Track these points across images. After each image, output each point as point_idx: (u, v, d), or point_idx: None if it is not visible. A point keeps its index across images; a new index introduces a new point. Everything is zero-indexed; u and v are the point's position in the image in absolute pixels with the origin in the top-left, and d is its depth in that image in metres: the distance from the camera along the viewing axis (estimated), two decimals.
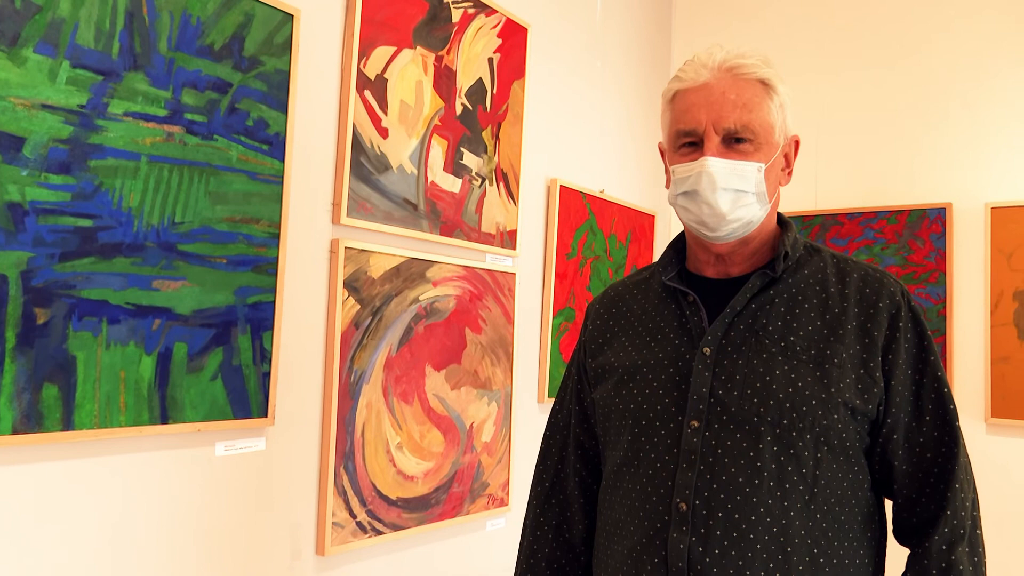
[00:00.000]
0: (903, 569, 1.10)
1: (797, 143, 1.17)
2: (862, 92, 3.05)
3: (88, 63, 1.40)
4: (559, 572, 1.23)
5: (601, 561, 1.14)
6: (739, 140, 1.07)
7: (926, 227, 2.84)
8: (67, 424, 1.38)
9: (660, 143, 1.18)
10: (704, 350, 1.07)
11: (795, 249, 1.13)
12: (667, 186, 1.16)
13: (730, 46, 1.11)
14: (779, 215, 1.18)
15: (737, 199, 1.06)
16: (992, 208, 2.73)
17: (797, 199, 3.14)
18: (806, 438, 1.01)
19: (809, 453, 1.01)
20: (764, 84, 1.09)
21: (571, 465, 1.25)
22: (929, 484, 1.06)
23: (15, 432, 1.32)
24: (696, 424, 1.04)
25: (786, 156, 1.15)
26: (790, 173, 1.16)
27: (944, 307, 2.80)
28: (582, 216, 2.78)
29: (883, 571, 1.10)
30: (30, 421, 1.34)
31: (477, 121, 2.31)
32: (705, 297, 1.12)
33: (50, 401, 1.36)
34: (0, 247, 1.30)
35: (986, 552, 1.07)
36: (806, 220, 3.08)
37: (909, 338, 1.07)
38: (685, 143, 1.09)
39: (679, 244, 1.20)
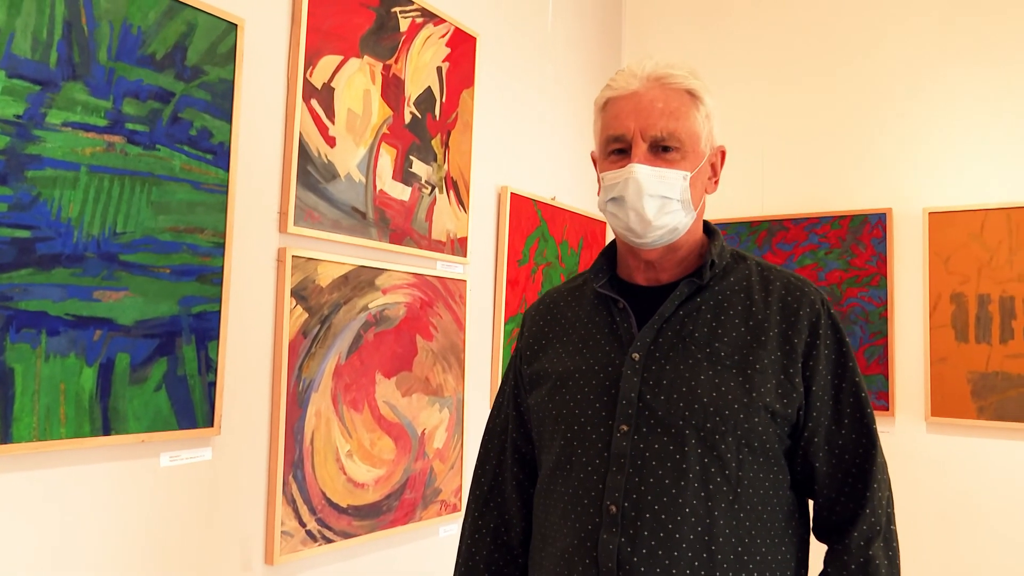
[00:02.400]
0: (820, 565, 1.14)
1: (723, 153, 1.20)
2: (807, 101, 3.13)
3: (25, 73, 1.39)
4: (497, 574, 1.25)
5: (536, 563, 1.16)
6: (666, 148, 1.10)
7: (867, 232, 2.92)
8: (4, 437, 1.37)
9: (592, 152, 1.21)
10: (633, 356, 1.10)
11: (722, 257, 1.16)
12: (599, 193, 1.19)
13: (660, 57, 1.14)
14: (706, 223, 1.21)
15: (663, 206, 1.09)
16: (930, 213, 2.82)
17: (744, 205, 3.20)
18: (728, 441, 1.04)
19: (732, 455, 1.05)
20: (691, 94, 1.12)
21: (508, 469, 1.27)
22: (848, 484, 1.11)
23: None
24: (625, 428, 1.07)
25: (712, 166, 1.18)
26: (717, 182, 1.19)
27: (886, 310, 2.88)
28: (533, 223, 2.81)
29: (806, 567, 1.14)
30: None
31: (426, 129, 2.32)
32: (635, 304, 1.15)
33: None
34: None
35: (899, 546, 1.11)
36: (754, 225, 3.15)
37: (829, 345, 1.11)
38: (614, 150, 1.12)
39: (610, 252, 1.23)
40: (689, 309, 1.12)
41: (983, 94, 2.80)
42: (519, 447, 1.27)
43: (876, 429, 1.12)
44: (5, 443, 1.37)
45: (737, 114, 3.27)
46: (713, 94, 1.15)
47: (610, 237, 3.28)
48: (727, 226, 3.20)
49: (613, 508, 1.05)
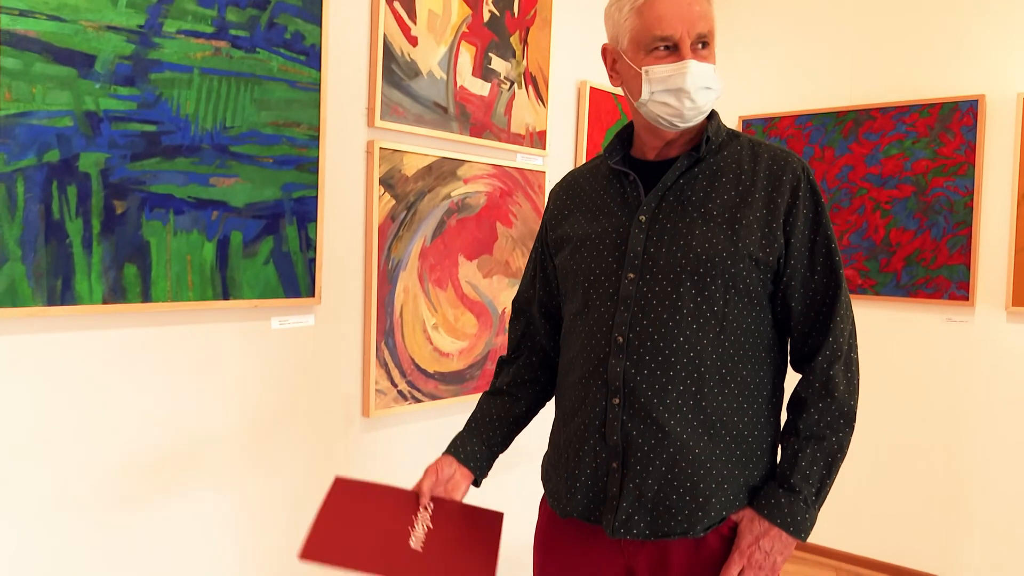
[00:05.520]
0: None
1: None
2: None
3: None
4: (520, 385, 1.51)
5: (561, 391, 1.42)
6: (704, 45, 1.26)
7: (957, 120, 2.87)
8: (146, 297, 1.67)
9: (606, 44, 1.35)
10: (640, 218, 1.30)
11: (718, 135, 1.32)
12: (616, 83, 1.35)
13: None
14: None
15: (708, 95, 1.27)
16: None
17: (832, 94, 3.18)
18: (717, 283, 1.24)
19: (720, 295, 1.24)
20: None
21: (537, 320, 1.52)
22: (818, 320, 1.29)
23: (105, 302, 1.61)
24: (632, 276, 1.28)
25: None
26: None
27: (971, 199, 2.85)
28: (613, 116, 2.91)
29: (782, 391, 1.34)
30: (116, 294, 1.63)
31: (505, 27, 2.45)
32: (644, 176, 1.34)
33: (131, 278, 1.65)
34: (82, 149, 1.57)
35: (859, 371, 1.29)
36: (840, 116, 3.13)
37: (807, 204, 1.27)
38: (660, 47, 1.27)
39: (624, 134, 1.39)
40: (688, 178, 1.30)
41: None
42: (543, 301, 1.51)
43: (843, 274, 1.29)
44: (147, 302, 1.68)
45: (827, 2, 3.20)
46: None
47: None
48: (812, 117, 3.19)
49: (620, 339, 1.27)
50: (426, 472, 1.41)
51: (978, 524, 2.91)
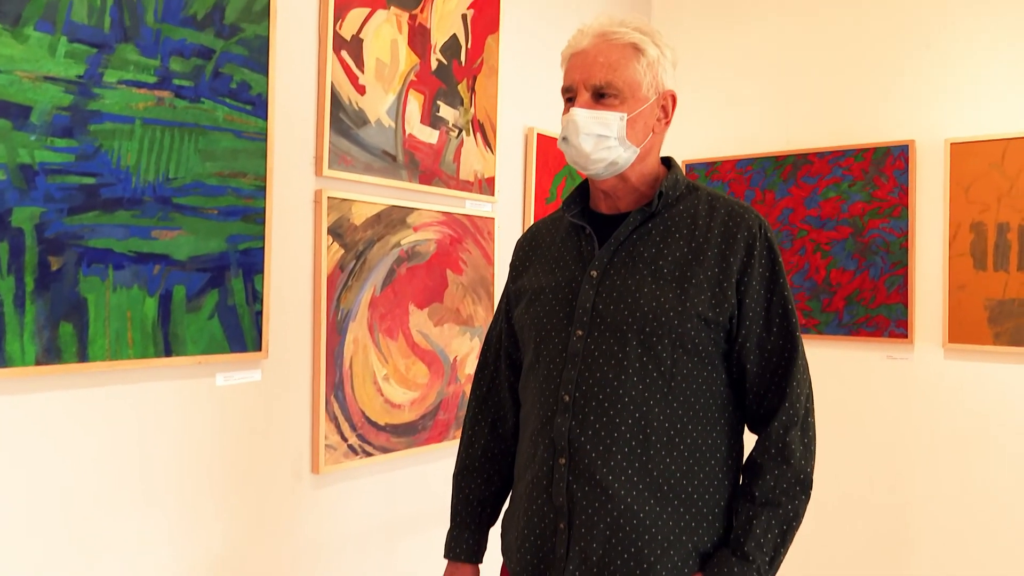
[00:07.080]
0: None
1: (674, 98, 1.34)
2: (831, 34, 3.15)
3: (83, 37, 1.57)
4: (492, 460, 1.47)
5: (519, 445, 1.39)
6: (603, 95, 1.27)
7: (890, 164, 2.97)
8: (82, 357, 1.59)
9: None
10: (591, 273, 1.29)
11: (675, 189, 1.31)
12: None
13: (618, 16, 1.29)
14: (669, 159, 1.36)
15: (599, 142, 1.26)
16: (952, 144, 2.85)
17: (770, 139, 3.27)
18: (664, 342, 1.22)
19: (667, 354, 1.22)
20: (634, 47, 1.28)
21: (502, 373, 1.48)
22: (774, 382, 1.27)
23: (38, 363, 1.53)
24: (580, 333, 1.26)
25: (663, 108, 1.32)
26: (668, 123, 1.34)
27: (906, 240, 2.94)
28: (560, 162, 2.94)
29: (740, 452, 1.31)
30: (50, 354, 1.54)
31: (452, 75, 2.46)
32: (600, 230, 1.33)
33: (67, 337, 1.57)
34: (16, 203, 1.49)
35: (816, 436, 1.28)
36: (779, 160, 3.21)
37: (763, 263, 1.26)
38: (567, 98, 1.31)
39: (585, 187, 1.39)
40: (641, 233, 1.30)
41: (1005, 23, 2.80)
42: (510, 353, 1.47)
43: (800, 336, 1.28)
44: (83, 362, 1.59)
45: (762, 48, 3.31)
46: (669, 46, 1.29)
47: None
48: (752, 161, 3.27)
49: (566, 397, 1.25)
50: None
51: (921, 557, 2.96)
